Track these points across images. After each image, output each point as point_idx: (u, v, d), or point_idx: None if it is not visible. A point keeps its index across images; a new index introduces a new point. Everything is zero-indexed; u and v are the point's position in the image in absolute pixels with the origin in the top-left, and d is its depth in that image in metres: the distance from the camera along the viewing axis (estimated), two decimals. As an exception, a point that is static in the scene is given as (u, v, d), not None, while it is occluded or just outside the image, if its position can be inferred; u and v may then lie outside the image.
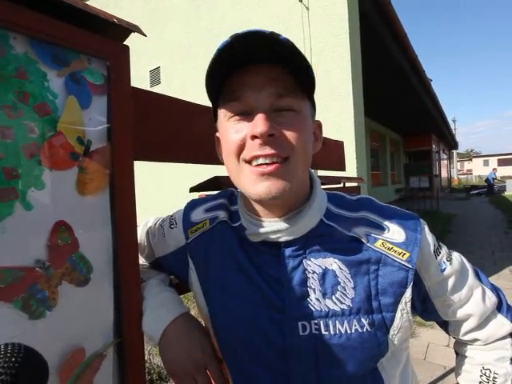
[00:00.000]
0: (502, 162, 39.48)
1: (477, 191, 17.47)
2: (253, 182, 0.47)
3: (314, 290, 0.50)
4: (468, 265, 0.58)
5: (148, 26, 5.47)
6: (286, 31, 3.66)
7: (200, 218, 0.63)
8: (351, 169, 3.18)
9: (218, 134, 0.58)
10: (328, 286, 0.50)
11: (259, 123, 0.45)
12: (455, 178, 29.95)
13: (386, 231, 0.52)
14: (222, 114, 0.51)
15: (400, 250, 0.50)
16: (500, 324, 0.56)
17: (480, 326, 0.56)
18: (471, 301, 0.55)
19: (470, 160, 50.01)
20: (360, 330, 0.49)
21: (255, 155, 0.46)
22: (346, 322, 0.49)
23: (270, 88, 0.46)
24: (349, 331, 0.49)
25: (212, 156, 0.64)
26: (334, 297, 0.50)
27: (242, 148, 0.48)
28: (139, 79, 5.82)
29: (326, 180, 1.47)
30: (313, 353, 0.49)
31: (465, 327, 0.57)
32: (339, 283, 0.50)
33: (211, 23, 4.69)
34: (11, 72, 0.43)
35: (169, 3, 5.36)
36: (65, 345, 0.47)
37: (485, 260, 4.41)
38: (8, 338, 0.41)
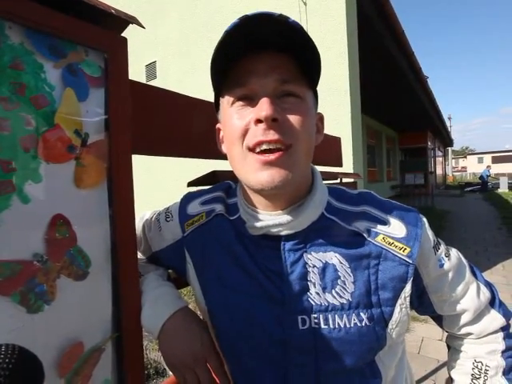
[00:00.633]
0: (496, 160, 39.82)
1: (471, 188, 17.66)
2: (256, 170, 0.47)
3: (314, 284, 0.50)
4: (465, 261, 0.58)
5: (144, 19, 5.37)
6: (283, 26, 3.63)
7: (196, 211, 0.62)
8: (348, 165, 3.19)
9: (218, 125, 0.58)
10: (328, 280, 0.50)
11: (264, 107, 0.44)
12: (450, 175, 30.19)
13: (387, 226, 0.52)
14: (226, 101, 0.51)
15: (401, 245, 0.50)
16: (493, 318, 0.57)
17: (474, 320, 0.57)
18: (466, 296, 0.56)
19: (465, 157, 50.40)
20: (359, 324, 0.49)
21: (259, 141, 0.46)
22: (345, 316, 0.49)
23: (274, 74, 0.46)
24: (348, 325, 0.49)
25: (210, 150, 0.63)
26: (333, 291, 0.50)
27: (245, 134, 0.47)
28: (135, 73, 5.75)
29: (323, 175, 1.47)
30: (312, 347, 0.49)
31: (459, 322, 0.57)
32: (339, 277, 0.50)
33: (207, 18, 4.65)
34: (7, 63, 0.42)
35: (165, -3, 5.30)
36: (63, 339, 0.47)
37: (479, 256, 4.46)
38: (6, 331, 0.41)
